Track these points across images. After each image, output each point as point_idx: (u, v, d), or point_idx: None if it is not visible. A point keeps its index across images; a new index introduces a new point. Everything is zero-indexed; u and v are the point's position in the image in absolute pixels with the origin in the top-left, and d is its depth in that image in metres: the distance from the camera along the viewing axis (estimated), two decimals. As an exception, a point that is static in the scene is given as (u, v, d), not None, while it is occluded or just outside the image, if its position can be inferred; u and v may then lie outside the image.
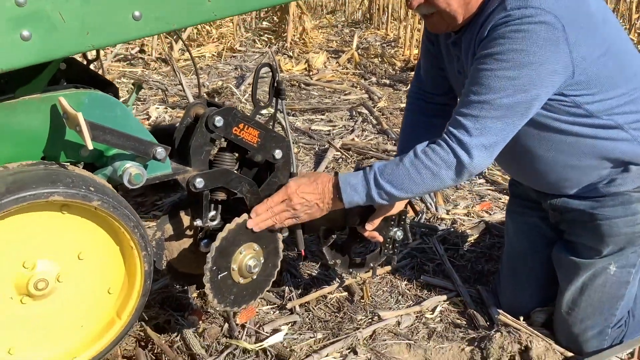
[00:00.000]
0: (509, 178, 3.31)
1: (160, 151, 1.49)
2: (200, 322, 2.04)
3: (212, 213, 1.72)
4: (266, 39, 7.20)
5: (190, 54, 2.09)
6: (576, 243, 1.99)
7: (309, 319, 2.13)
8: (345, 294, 2.30)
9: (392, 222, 2.03)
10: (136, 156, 1.49)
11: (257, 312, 2.13)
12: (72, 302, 1.48)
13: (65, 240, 1.42)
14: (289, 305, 2.17)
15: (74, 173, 1.40)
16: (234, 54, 6.45)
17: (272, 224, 1.74)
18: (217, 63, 6.10)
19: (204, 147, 1.65)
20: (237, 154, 1.78)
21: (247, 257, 1.72)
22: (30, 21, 1.24)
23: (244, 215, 1.71)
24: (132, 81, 5.04)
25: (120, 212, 1.42)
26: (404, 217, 2.05)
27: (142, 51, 6.11)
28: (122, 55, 5.90)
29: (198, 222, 1.70)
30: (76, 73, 1.88)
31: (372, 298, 2.27)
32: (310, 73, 5.85)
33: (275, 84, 1.81)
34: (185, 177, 1.63)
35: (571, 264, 1.98)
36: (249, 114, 1.72)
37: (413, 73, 5.97)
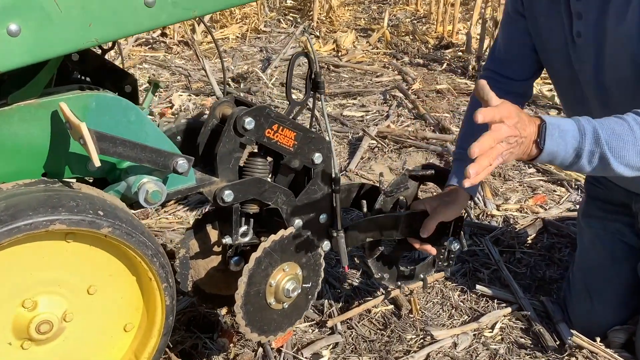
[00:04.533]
0: (579, 176, 3.02)
1: (182, 163, 1.26)
2: (231, 345, 1.82)
3: (244, 228, 1.49)
4: (291, 18, 6.92)
5: (213, 38, 1.83)
6: None
7: (352, 339, 1.90)
8: (392, 307, 2.05)
9: (447, 231, 1.78)
10: (154, 169, 1.26)
11: (293, 332, 1.90)
12: (83, 343, 1.26)
13: (72, 273, 1.19)
14: (329, 323, 1.94)
15: (79, 194, 1.17)
16: (258, 35, 6.19)
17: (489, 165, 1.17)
18: (242, 45, 5.85)
19: (232, 153, 1.41)
20: (270, 159, 1.54)
21: (285, 279, 1.49)
22: (18, 12, 1.01)
23: (281, 231, 1.47)
24: (149, 76, 4.77)
25: (136, 239, 1.18)
26: (460, 224, 1.79)
27: (164, 34, 5.89)
28: (144, 40, 5.68)
29: (227, 240, 1.47)
30: (90, 65, 1.66)
31: (422, 312, 2.03)
32: (339, 54, 5.57)
33: (313, 76, 1.55)
34: (212, 189, 1.40)
35: None
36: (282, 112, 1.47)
37: (448, 51, 5.68)
